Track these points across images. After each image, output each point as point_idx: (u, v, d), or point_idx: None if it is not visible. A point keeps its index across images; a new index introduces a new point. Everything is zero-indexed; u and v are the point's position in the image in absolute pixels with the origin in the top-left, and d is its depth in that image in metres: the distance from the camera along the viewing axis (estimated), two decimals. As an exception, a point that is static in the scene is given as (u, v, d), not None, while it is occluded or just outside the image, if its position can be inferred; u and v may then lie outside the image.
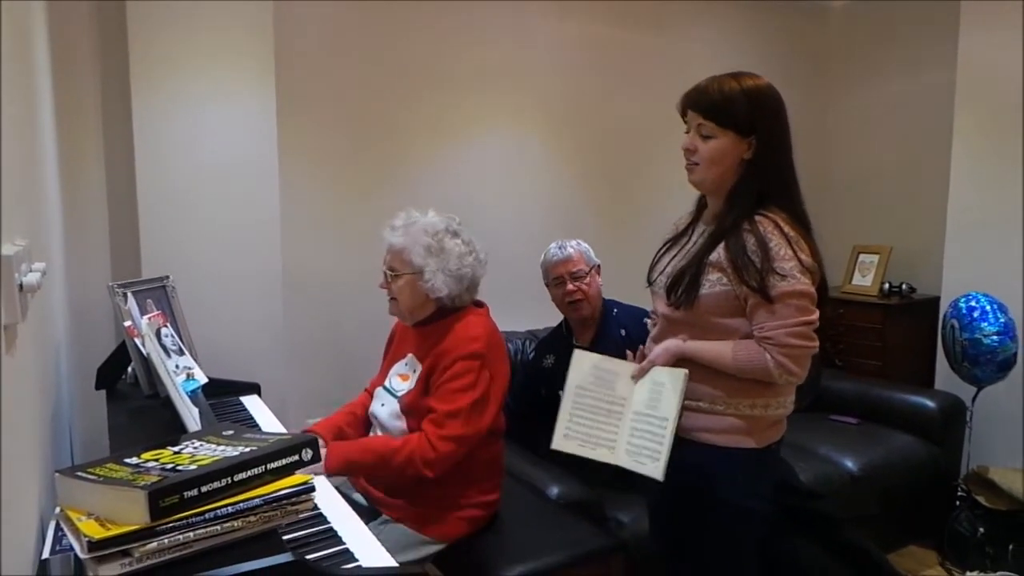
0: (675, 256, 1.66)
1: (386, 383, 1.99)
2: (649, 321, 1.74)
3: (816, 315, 1.50)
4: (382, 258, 1.94)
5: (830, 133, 4.14)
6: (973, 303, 2.91)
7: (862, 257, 3.77)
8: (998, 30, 3.04)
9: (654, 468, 1.51)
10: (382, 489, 1.92)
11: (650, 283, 1.71)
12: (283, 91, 2.52)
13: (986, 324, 2.84)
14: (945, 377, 3.20)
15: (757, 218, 1.51)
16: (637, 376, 1.61)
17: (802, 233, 1.53)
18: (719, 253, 1.53)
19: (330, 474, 1.71)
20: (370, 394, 2.09)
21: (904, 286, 3.61)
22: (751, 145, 1.53)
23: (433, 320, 1.92)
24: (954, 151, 3.24)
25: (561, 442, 1.64)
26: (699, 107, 1.56)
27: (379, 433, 1.95)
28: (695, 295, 1.54)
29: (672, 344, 1.59)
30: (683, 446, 1.53)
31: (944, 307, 3.13)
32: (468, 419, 1.78)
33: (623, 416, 1.60)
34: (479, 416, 1.81)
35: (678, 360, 1.58)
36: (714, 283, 1.52)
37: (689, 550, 1.66)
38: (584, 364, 1.67)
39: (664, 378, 1.57)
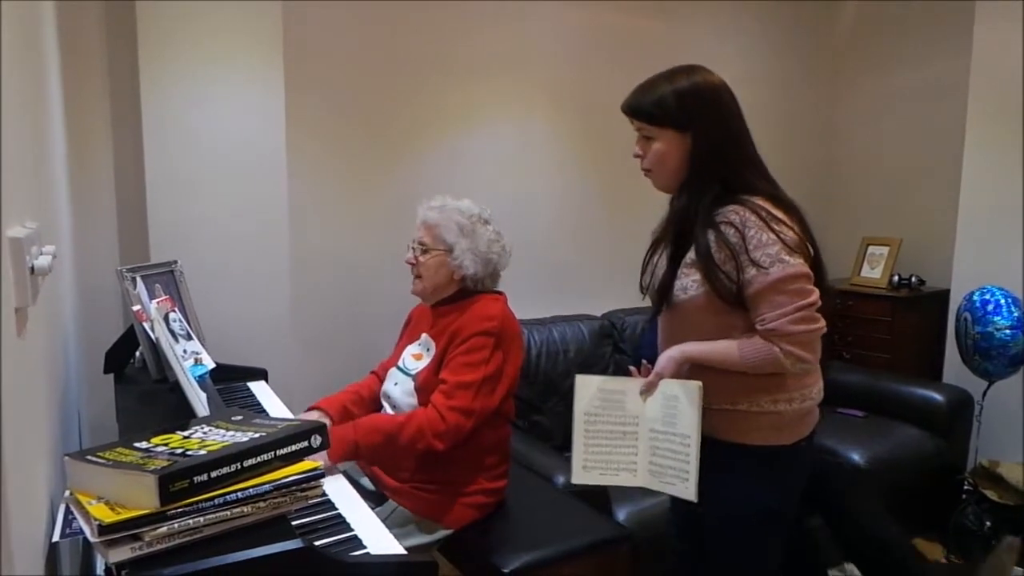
0: (659, 259, 1.62)
1: (399, 363, 2.00)
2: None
3: (816, 294, 1.45)
4: (411, 236, 1.97)
5: (841, 124, 4.09)
6: (987, 296, 2.89)
7: (871, 249, 3.74)
8: (1013, 24, 3.01)
9: (684, 488, 1.46)
10: (390, 473, 1.92)
11: (643, 291, 1.67)
12: (291, 77, 2.50)
13: (999, 318, 2.82)
14: (953, 370, 3.18)
15: (730, 209, 1.46)
16: (646, 391, 1.53)
17: (785, 212, 1.48)
18: (692, 256, 1.49)
19: (335, 463, 1.70)
20: (379, 376, 2.09)
21: (913, 278, 3.58)
22: (691, 138, 1.50)
23: (452, 301, 1.93)
24: (967, 144, 3.21)
25: (581, 475, 1.57)
26: (634, 112, 1.56)
27: (391, 412, 1.94)
28: (683, 299, 1.51)
29: (675, 352, 1.51)
30: (708, 446, 1.47)
31: (954, 300, 3.11)
32: (478, 393, 1.79)
33: (639, 436, 1.53)
34: (489, 392, 1.82)
35: (686, 368, 1.51)
36: (699, 283, 1.48)
37: (712, 549, 1.62)
38: (588, 389, 1.58)
39: (677, 391, 1.49)
